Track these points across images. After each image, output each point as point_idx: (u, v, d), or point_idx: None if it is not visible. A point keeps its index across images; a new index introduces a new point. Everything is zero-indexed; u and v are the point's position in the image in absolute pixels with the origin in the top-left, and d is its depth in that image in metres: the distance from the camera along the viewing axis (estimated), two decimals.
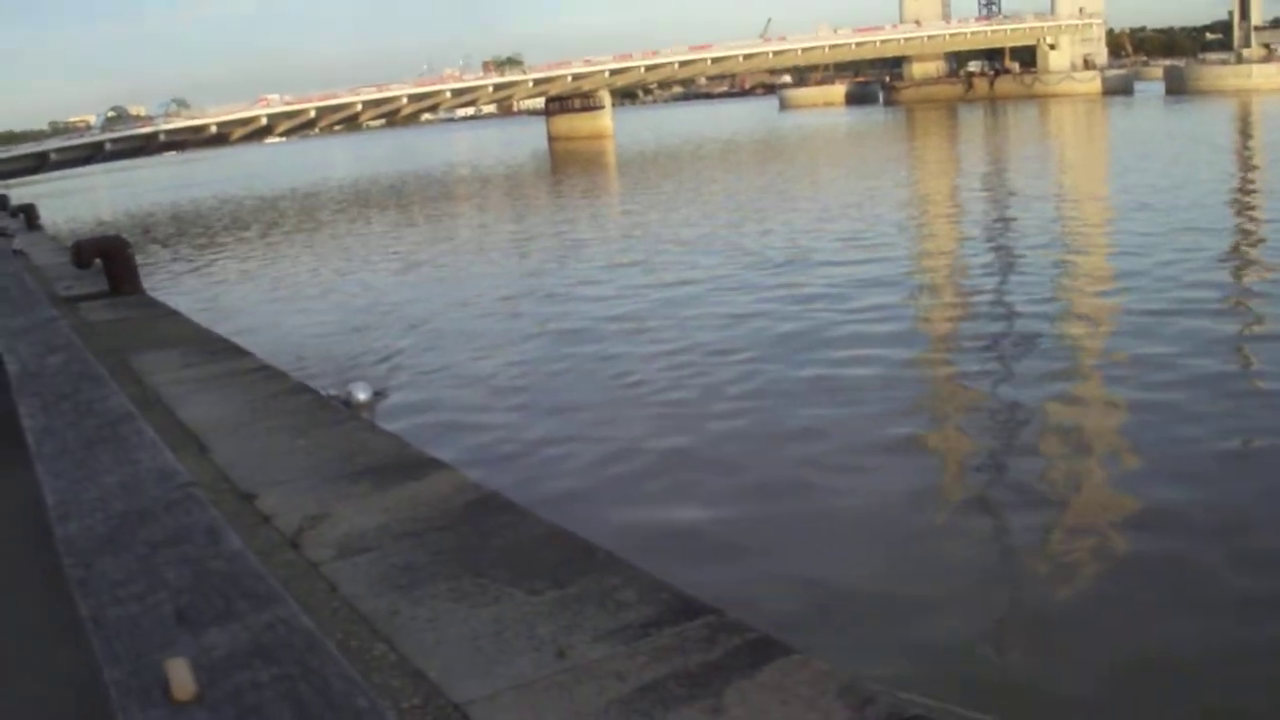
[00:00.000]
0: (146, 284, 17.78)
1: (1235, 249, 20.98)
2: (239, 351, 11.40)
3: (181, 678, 1.92)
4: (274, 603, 2.09)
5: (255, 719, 1.73)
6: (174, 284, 27.81)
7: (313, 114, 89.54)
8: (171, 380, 10.18)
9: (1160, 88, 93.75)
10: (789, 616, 7.30)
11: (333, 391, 12.44)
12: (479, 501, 5.96)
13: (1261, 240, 21.55)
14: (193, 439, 7.99)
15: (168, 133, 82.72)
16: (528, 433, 12.39)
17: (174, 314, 14.63)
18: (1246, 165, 36.98)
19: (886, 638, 7.10)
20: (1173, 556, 8.03)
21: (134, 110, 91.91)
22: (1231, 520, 8.66)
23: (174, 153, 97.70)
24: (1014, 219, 27.47)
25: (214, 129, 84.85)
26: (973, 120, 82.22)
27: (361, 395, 12.81)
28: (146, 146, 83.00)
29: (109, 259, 16.22)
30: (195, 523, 2.55)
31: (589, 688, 3.95)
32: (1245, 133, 50.49)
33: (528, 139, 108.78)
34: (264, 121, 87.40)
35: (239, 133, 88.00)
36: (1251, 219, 24.39)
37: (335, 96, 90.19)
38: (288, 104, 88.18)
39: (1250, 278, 18.34)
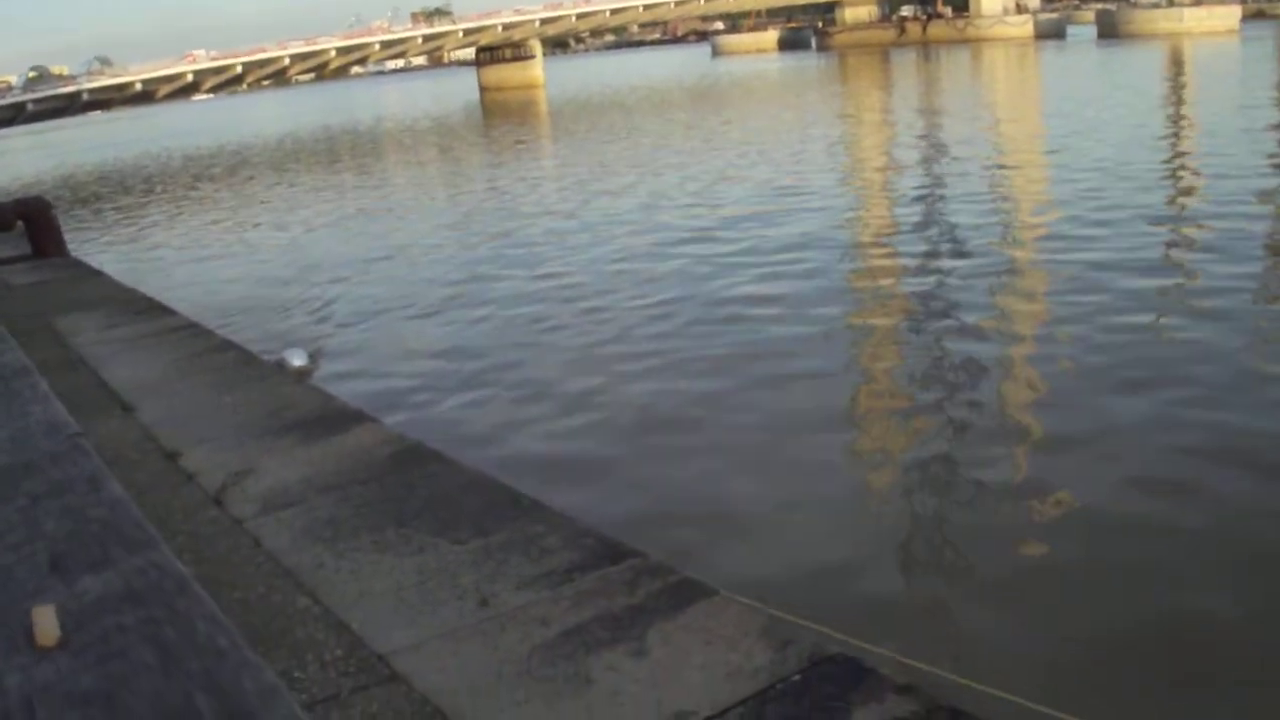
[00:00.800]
0: (72, 246, 17.48)
1: (1163, 182, 21.23)
2: (164, 310, 11.26)
3: (46, 624, 1.89)
4: (148, 548, 2.06)
5: (118, 662, 1.71)
6: (100, 245, 27.29)
7: (240, 70, 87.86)
8: (95, 341, 10.03)
9: (1093, 31, 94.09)
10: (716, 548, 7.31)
11: (266, 358, 12.27)
12: (404, 453, 5.93)
13: (1185, 184, 21.83)
14: (116, 399, 7.88)
15: (91, 91, 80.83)
16: (454, 382, 12.30)
17: (98, 275, 14.41)
18: (1174, 106, 37.37)
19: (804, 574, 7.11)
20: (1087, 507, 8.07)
21: (56, 70, 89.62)
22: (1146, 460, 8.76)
23: (99, 112, 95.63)
24: (944, 158, 27.61)
25: (139, 87, 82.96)
26: (905, 64, 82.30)
27: (296, 361, 12.65)
28: (70, 106, 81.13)
29: (31, 221, 15.92)
30: (79, 473, 2.51)
31: (512, 634, 3.95)
32: (1176, 76, 50.94)
33: (459, 90, 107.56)
34: (190, 78, 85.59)
35: (165, 90, 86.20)
36: (1178, 162, 24.67)
37: (262, 51, 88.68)
38: (214, 60, 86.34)
39: (1174, 217, 18.54)
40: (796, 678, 3.50)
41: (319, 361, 13.47)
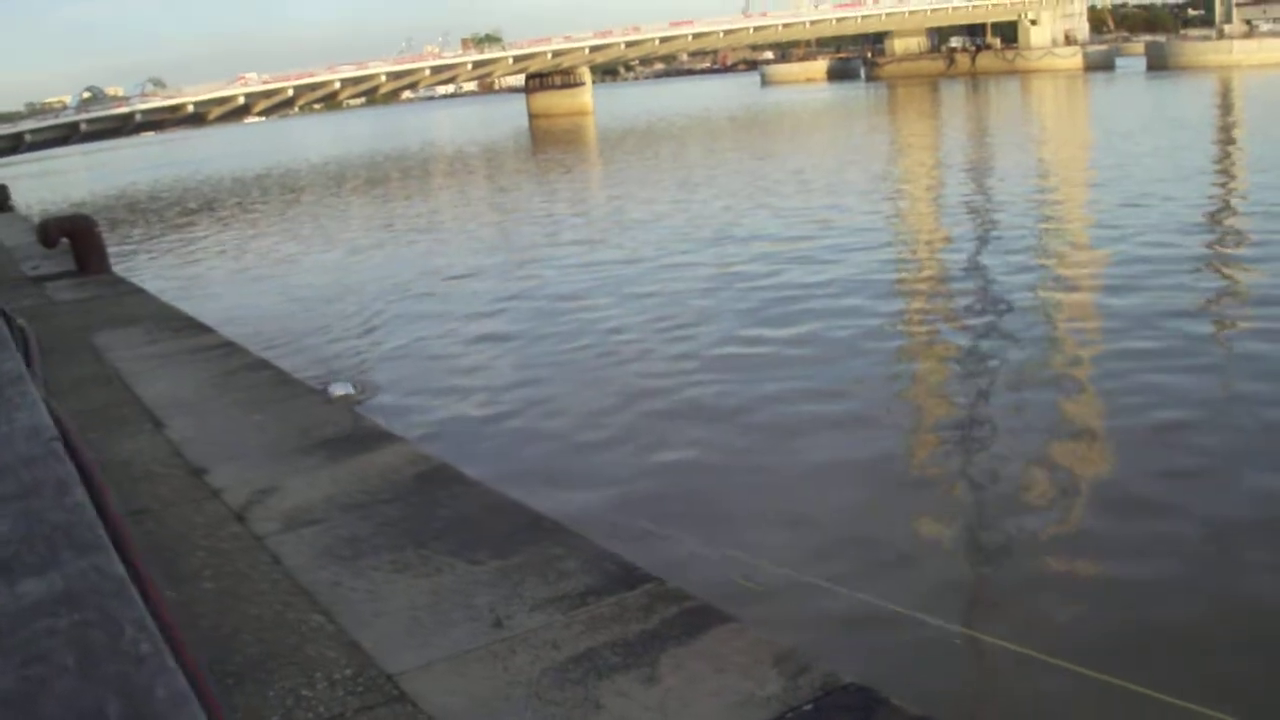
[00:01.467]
0: (119, 263, 17.69)
1: (1211, 218, 20.96)
2: (202, 328, 11.31)
3: None
4: (94, 551, 2.04)
5: (39, 665, 1.69)
6: (145, 263, 27.61)
7: (291, 93, 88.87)
8: (131, 357, 10.09)
9: (1142, 63, 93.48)
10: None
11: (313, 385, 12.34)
12: (429, 473, 5.90)
13: (1231, 210, 21.59)
14: (148, 414, 7.91)
15: (144, 113, 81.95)
16: (501, 410, 12.32)
17: (139, 292, 14.52)
18: (1224, 141, 37.01)
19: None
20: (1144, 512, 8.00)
21: (110, 90, 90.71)
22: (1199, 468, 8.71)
23: (151, 133, 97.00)
24: (993, 192, 27.48)
25: (191, 108, 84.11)
26: (954, 95, 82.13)
27: (338, 391, 12.68)
28: (123, 127, 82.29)
29: (76, 238, 16.07)
30: (50, 476, 2.50)
31: (523, 657, 3.90)
32: (1225, 108, 50.52)
33: (507, 116, 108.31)
34: (241, 101, 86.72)
35: (216, 112, 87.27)
36: (1224, 190, 24.41)
37: (313, 75, 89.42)
38: (265, 83, 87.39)
39: (1218, 245, 18.34)
40: (809, 707, 3.43)
41: (364, 390, 13.53)
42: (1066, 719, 5.83)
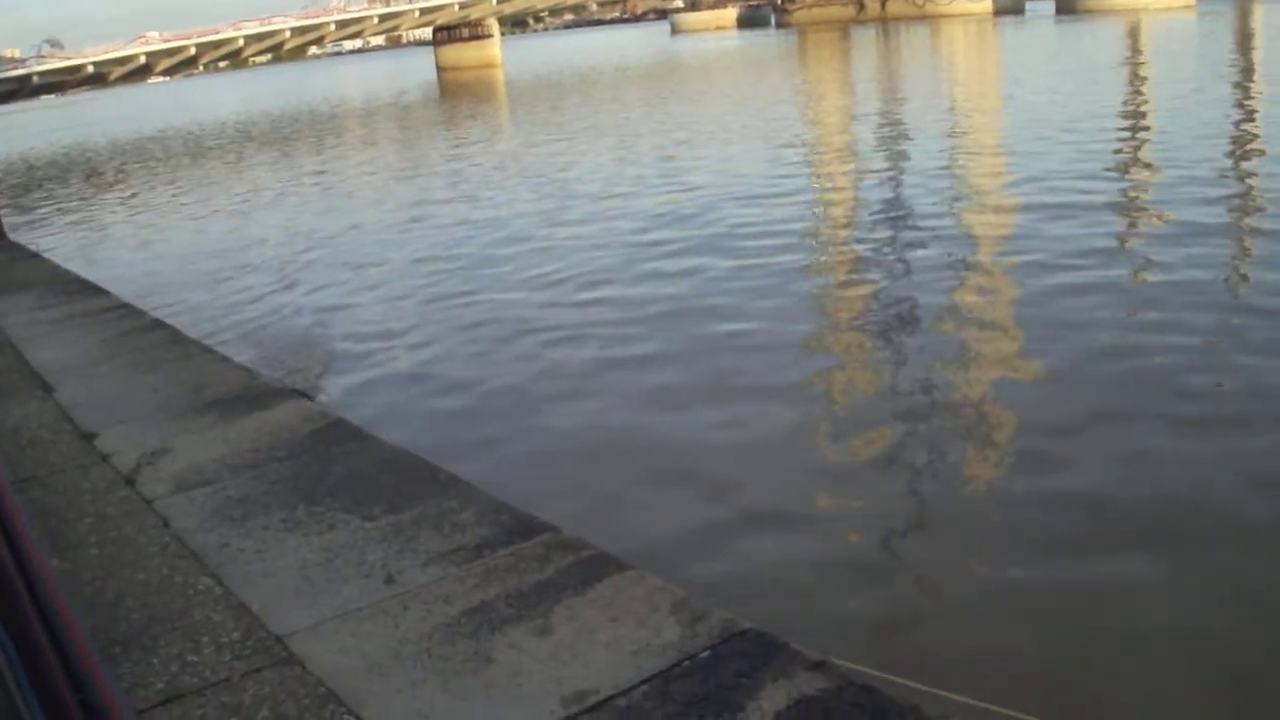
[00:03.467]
0: (17, 232, 17.16)
1: (1116, 160, 21.19)
2: (97, 291, 11.02)
3: None
4: None
5: None
6: (44, 229, 26.74)
7: (193, 51, 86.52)
8: (24, 322, 9.79)
9: (1051, 8, 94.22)
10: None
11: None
12: (324, 430, 5.76)
13: (1138, 150, 21.85)
14: (38, 380, 7.66)
15: (41, 74, 79.56)
16: (405, 368, 12.06)
17: (34, 257, 14.15)
18: (1132, 82, 37.46)
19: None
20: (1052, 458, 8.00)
21: (6, 53, 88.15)
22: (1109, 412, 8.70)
23: (52, 96, 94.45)
24: (907, 133, 27.54)
25: (91, 69, 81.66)
26: (865, 41, 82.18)
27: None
28: (20, 90, 79.89)
29: None
30: None
31: (415, 612, 3.81)
32: (1134, 50, 51.11)
33: (416, 70, 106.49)
34: (143, 60, 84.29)
35: (118, 72, 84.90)
36: (1129, 131, 24.71)
37: (217, 32, 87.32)
38: (167, 41, 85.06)
39: (1124, 182, 18.55)
40: (706, 654, 3.37)
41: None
42: (971, 640, 5.80)
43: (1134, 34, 60.05)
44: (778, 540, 6.85)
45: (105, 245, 23.64)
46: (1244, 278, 12.42)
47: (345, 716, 3.26)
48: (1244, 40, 50.77)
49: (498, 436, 9.03)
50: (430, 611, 3.79)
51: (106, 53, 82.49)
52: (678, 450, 8.45)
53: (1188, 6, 78.97)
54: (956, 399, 9.18)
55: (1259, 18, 63.58)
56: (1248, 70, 37.38)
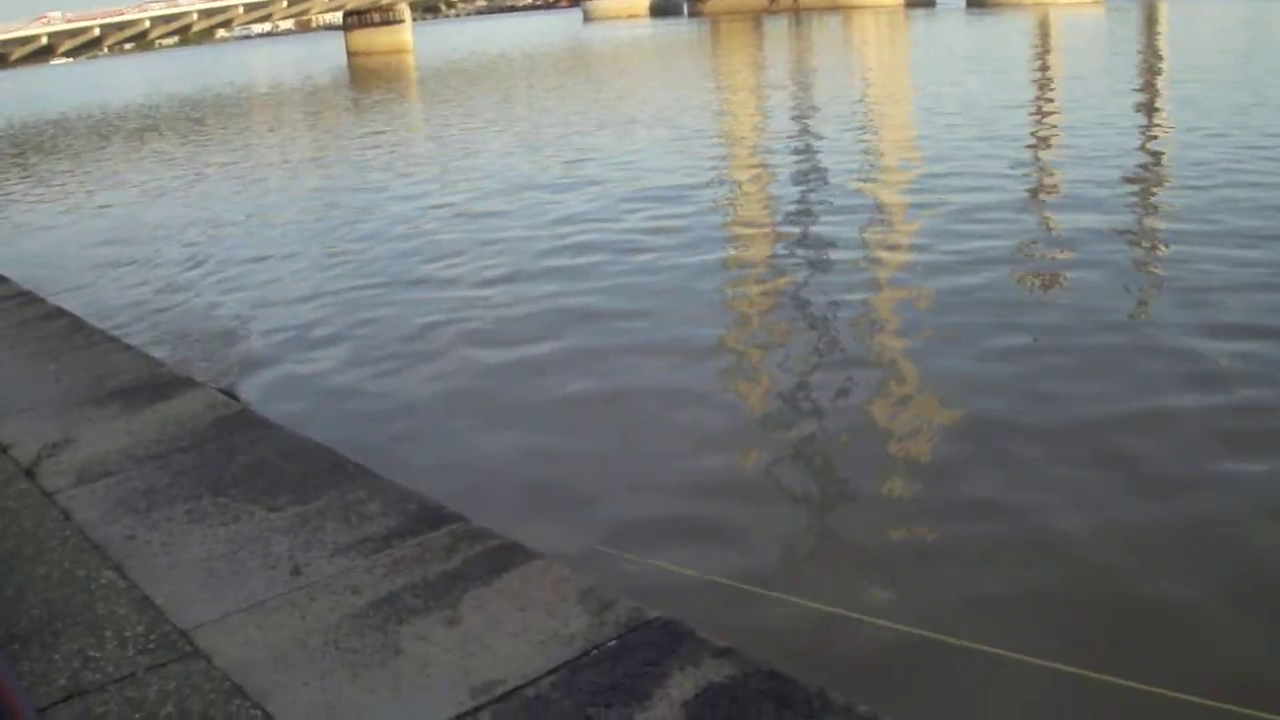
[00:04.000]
0: None
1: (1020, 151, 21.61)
2: None
3: None
4: None
5: None
6: None
7: (98, 32, 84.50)
8: None
9: (962, 1, 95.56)
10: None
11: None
12: (229, 419, 5.70)
13: (1047, 140, 22.31)
14: None
15: None
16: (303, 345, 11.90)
17: None
18: (1040, 73, 38.15)
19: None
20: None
21: None
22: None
23: None
24: (815, 127, 27.75)
25: None
26: (778, 31, 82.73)
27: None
28: None
29: None
30: None
31: (322, 604, 3.79)
32: (1043, 43, 52.06)
33: (326, 55, 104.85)
34: (45, 41, 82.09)
35: (18, 53, 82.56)
36: (1036, 119, 25.20)
37: (121, 14, 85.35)
38: (70, 21, 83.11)
39: (1032, 173, 18.92)
40: (613, 643, 3.40)
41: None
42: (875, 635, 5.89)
43: (1043, 27, 61.13)
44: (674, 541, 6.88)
45: (1, 230, 23.10)
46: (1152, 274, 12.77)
47: (251, 710, 3.24)
48: (1150, 35, 51.98)
49: (400, 434, 8.98)
50: (338, 603, 3.77)
51: (6, 32, 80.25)
52: (579, 451, 8.46)
53: (1096, 2, 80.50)
54: (856, 402, 9.24)
55: (1164, 13, 65.15)
56: (1152, 64, 38.30)
